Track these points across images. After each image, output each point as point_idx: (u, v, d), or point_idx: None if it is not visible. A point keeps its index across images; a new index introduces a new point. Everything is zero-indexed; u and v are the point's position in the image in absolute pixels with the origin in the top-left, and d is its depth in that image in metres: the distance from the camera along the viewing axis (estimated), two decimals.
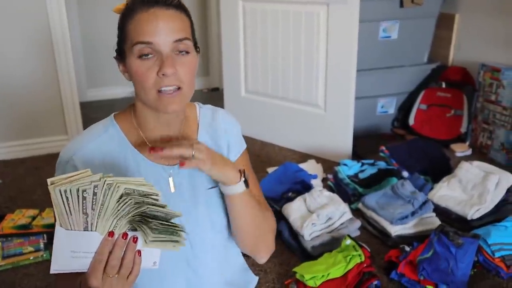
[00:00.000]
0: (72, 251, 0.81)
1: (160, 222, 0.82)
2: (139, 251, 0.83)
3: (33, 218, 2.10)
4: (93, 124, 1.04)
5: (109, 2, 4.21)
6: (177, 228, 0.84)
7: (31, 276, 1.84)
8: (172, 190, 1.02)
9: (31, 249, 1.94)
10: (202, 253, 1.06)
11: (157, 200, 0.81)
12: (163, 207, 0.81)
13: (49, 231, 2.02)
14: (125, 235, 0.81)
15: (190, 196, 1.04)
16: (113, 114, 1.04)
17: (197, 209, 1.04)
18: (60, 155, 0.98)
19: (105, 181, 0.76)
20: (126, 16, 0.94)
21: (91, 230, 0.80)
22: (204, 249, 1.06)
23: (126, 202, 0.78)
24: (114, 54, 1.00)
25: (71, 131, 3.00)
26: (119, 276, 0.82)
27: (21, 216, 2.10)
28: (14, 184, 2.60)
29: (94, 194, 0.77)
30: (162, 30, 0.90)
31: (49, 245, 1.97)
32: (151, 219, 0.81)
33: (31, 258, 1.92)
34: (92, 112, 3.68)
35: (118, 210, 0.79)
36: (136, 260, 0.83)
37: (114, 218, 0.80)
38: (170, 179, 1.02)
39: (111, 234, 0.80)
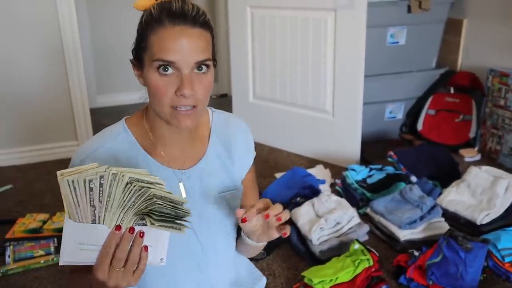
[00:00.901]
0: (80, 243, 0.82)
1: (166, 203, 0.82)
2: (146, 247, 0.84)
3: (44, 222, 2.12)
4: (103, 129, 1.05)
5: (119, 8, 4.26)
6: (183, 210, 0.84)
7: (42, 280, 1.86)
8: (184, 194, 1.02)
9: (41, 252, 1.96)
10: (213, 255, 1.07)
11: (162, 189, 0.81)
12: (169, 193, 0.82)
13: (59, 235, 2.04)
14: (132, 229, 0.82)
15: (201, 200, 1.04)
16: (124, 118, 1.05)
17: (208, 212, 1.05)
18: (73, 158, 0.99)
19: (110, 171, 0.78)
20: (149, 26, 0.91)
21: (99, 223, 0.81)
22: (214, 251, 1.07)
23: (131, 190, 0.79)
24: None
25: (81, 137, 3.03)
26: (125, 270, 0.83)
27: (32, 220, 2.12)
28: (25, 189, 2.63)
29: (101, 185, 0.78)
30: (185, 49, 0.89)
31: (59, 248, 1.98)
32: (158, 201, 0.82)
33: (42, 261, 1.94)
34: (102, 118, 3.71)
35: (124, 200, 0.80)
36: (143, 254, 0.84)
37: (121, 211, 0.81)
38: (181, 184, 1.02)
39: (118, 228, 0.81)
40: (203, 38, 0.92)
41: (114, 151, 0.99)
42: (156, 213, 0.83)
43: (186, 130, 1.01)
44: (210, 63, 0.93)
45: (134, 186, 0.79)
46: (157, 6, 0.91)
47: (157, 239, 0.85)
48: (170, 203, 0.83)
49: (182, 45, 0.88)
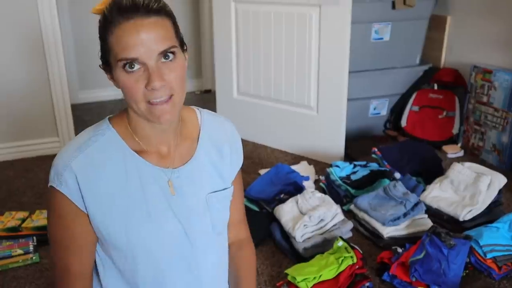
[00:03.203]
0: None
1: None
2: None
3: (23, 220, 2.08)
4: (85, 126, 1.02)
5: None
6: None
7: (20, 279, 1.82)
8: (173, 193, 1.00)
9: (20, 251, 1.91)
10: (203, 255, 1.05)
11: None
12: None
13: (38, 233, 2.00)
14: None
15: (191, 199, 1.03)
16: (107, 117, 1.02)
17: (198, 211, 1.04)
18: (56, 162, 0.95)
19: None
20: (104, 28, 0.89)
21: None
22: (204, 251, 1.05)
23: None
24: (100, 63, 0.96)
25: (62, 133, 2.97)
26: None
27: (10, 219, 2.08)
28: (3, 186, 2.57)
29: None
30: (145, 42, 0.86)
31: (38, 247, 1.95)
32: None
33: (20, 261, 1.89)
34: (84, 114, 3.66)
35: None
36: None
37: None
38: (170, 183, 1.00)
39: None
40: (161, 26, 0.88)
41: (101, 152, 0.95)
42: None
43: (169, 126, 0.98)
44: (175, 49, 0.90)
45: None
46: (109, 6, 0.88)
47: None
48: None
49: (140, 39, 0.85)
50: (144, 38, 0.86)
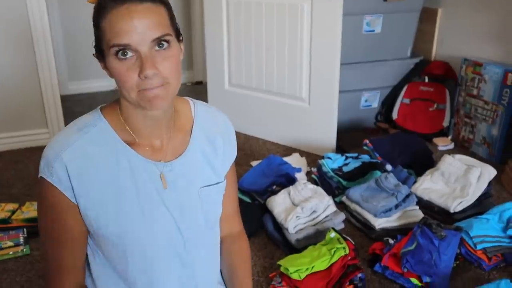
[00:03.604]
0: None
1: None
2: None
3: (13, 212, 2.06)
4: (75, 118, 0.99)
5: None
6: None
7: (10, 271, 1.80)
8: (165, 187, 0.99)
9: (10, 243, 1.89)
10: (195, 249, 1.04)
11: None
12: None
13: (29, 225, 1.98)
14: None
15: (183, 193, 1.01)
16: (99, 107, 1.00)
17: (191, 205, 1.02)
18: (46, 153, 0.93)
19: None
20: (99, 14, 0.87)
21: None
22: (197, 245, 1.04)
23: None
24: (95, 53, 0.94)
25: (51, 124, 2.94)
26: None
27: (0, 210, 2.06)
28: None
29: None
30: (138, 28, 0.83)
31: (29, 239, 1.93)
32: None
33: (11, 252, 1.88)
34: (74, 105, 3.62)
35: None
36: None
37: None
38: (162, 176, 0.99)
39: None
40: (156, 13, 0.86)
41: (92, 144, 0.93)
42: None
43: (162, 116, 0.97)
44: (170, 38, 0.88)
45: None
46: None
47: None
48: None
49: (133, 25, 0.83)
50: (137, 24, 0.84)
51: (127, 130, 0.97)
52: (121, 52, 0.85)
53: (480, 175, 2.11)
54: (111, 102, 1.01)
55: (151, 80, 0.86)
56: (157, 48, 0.87)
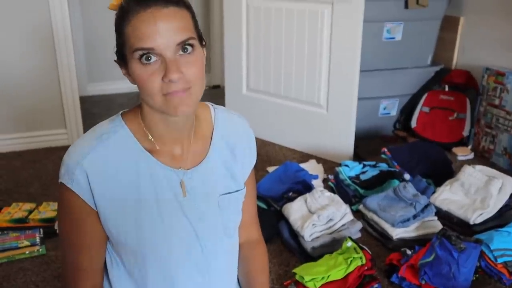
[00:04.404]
0: None
1: None
2: None
3: (30, 212, 2.07)
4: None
5: None
6: None
7: (26, 271, 1.81)
8: (184, 194, 0.98)
9: (27, 243, 1.90)
10: (213, 258, 1.03)
11: None
12: None
13: (45, 225, 1.99)
14: None
15: (203, 201, 1.00)
16: (120, 113, 0.99)
17: (210, 214, 1.01)
18: (67, 159, 0.92)
19: None
20: (121, 19, 0.86)
21: None
22: (215, 254, 1.03)
23: None
24: (115, 56, 0.93)
25: (70, 125, 2.96)
26: None
27: (17, 210, 2.08)
28: (10, 176, 2.57)
29: None
30: (162, 32, 0.82)
31: (45, 239, 1.94)
32: None
33: (27, 252, 1.89)
34: (92, 107, 3.65)
35: None
36: None
37: None
38: (182, 184, 0.98)
39: None
40: (180, 17, 0.85)
41: (113, 151, 0.93)
42: None
43: (184, 123, 0.96)
44: (194, 42, 0.87)
45: None
46: None
47: None
48: None
49: (158, 28, 0.82)
50: (162, 28, 0.83)
51: (148, 137, 0.96)
52: (144, 56, 0.84)
53: (501, 187, 2.07)
54: (132, 107, 1.00)
55: (176, 84, 0.85)
56: (181, 52, 0.86)
